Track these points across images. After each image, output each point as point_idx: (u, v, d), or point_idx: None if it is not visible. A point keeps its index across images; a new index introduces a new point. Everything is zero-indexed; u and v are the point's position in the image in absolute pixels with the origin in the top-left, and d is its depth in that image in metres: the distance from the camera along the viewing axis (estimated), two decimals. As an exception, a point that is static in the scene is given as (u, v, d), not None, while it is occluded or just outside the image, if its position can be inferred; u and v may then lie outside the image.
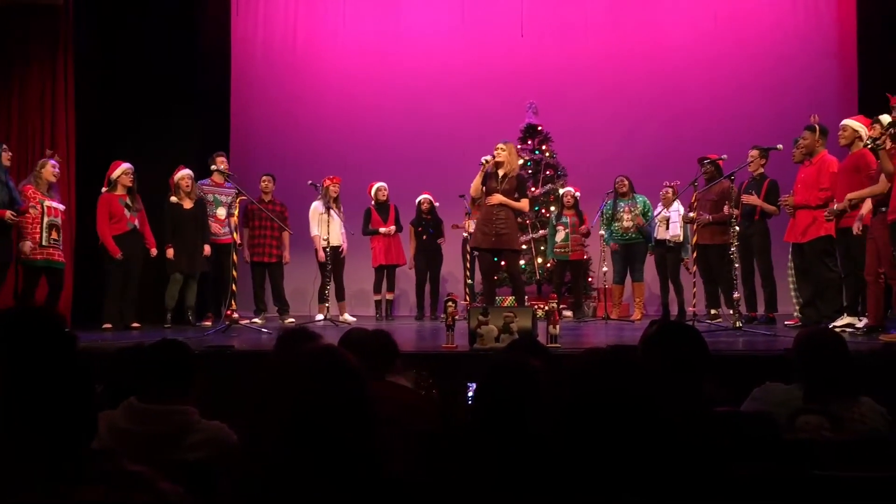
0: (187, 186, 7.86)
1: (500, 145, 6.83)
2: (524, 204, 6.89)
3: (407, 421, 2.43)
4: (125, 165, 7.53)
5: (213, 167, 7.99)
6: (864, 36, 9.24)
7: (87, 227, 7.83)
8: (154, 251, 7.71)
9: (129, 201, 7.52)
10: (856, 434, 2.49)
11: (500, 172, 6.72)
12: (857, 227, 6.03)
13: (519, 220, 7.62)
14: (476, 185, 6.79)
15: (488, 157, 6.75)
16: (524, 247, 8.77)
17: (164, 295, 7.81)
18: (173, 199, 7.82)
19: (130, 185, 7.53)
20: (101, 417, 2.18)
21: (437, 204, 9.17)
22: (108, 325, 7.27)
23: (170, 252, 7.73)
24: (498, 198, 6.66)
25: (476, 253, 7.27)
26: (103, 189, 7.50)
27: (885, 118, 5.94)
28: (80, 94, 8.31)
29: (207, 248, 7.99)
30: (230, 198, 7.98)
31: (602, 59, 10.29)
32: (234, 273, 7.10)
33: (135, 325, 7.46)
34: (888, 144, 5.66)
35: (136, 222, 7.56)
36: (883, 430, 2.50)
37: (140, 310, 7.68)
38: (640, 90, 10.20)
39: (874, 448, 2.37)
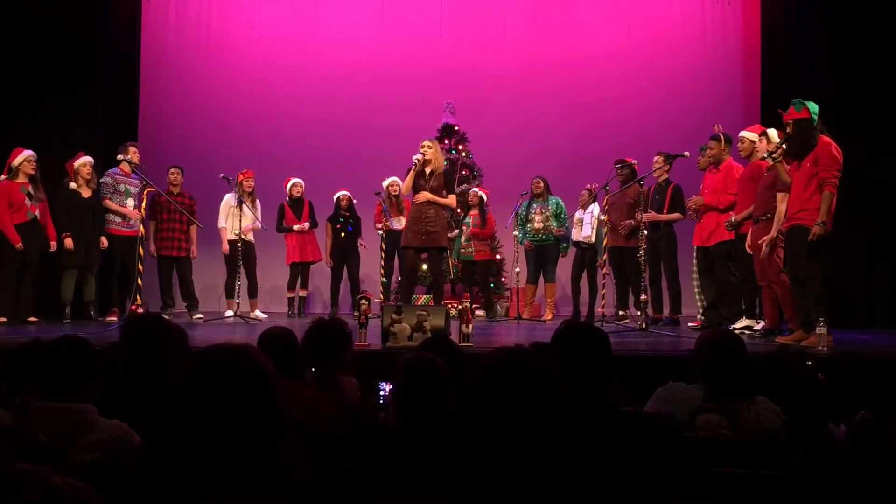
0: (88, 174, 7.53)
1: (426, 143, 6.93)
2: (451, 200, 7.10)
3: (309, 423, 2.38)
4: (27, 153, 7.18)
5: (121, 157, 7.53)
6: (767, 50, 9.62)
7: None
8: (54, 244, 7.35)
9: (30, 190, 7.17)
10: (752, 432, 2.58)
11: (427, 170, 6.86)
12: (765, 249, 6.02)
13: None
14: (408, 184, 6.95)
15: (419, 157, 6.83)
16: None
17: (60, 289, 7.45)
18: (72, 185, 7.47)
19: (33, 172, 7.18)
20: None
21: (355, 201, 9.03)
22: (3, 319, 6.93)
23: (68, 242, 7.37)
24: (425, 195, 6.77)
25: (400, 251, 7.28)
26: (2, 176, 7.12)
27: (773, 133, 6.23)
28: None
29: (104, 241, 7.69)
30: (138, 189, 7.70)
31: (520, 63, 10.39)
32: (140, 266, 6.87)
33: (31, 319, 7.12)
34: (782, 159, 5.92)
35: (37, 212, 7.21)
36: (776, 429, 2.60)
37: (35, 304, 7.32)
38: (557, 96, 10.34)
39: (768, 446, 2.46)
